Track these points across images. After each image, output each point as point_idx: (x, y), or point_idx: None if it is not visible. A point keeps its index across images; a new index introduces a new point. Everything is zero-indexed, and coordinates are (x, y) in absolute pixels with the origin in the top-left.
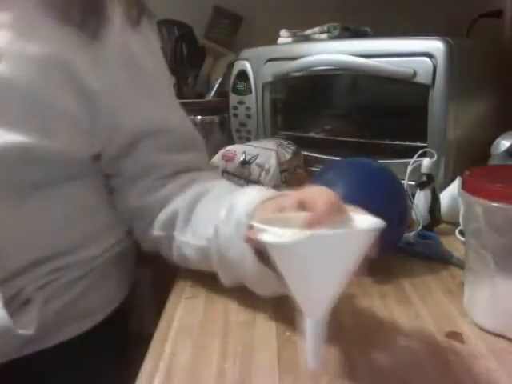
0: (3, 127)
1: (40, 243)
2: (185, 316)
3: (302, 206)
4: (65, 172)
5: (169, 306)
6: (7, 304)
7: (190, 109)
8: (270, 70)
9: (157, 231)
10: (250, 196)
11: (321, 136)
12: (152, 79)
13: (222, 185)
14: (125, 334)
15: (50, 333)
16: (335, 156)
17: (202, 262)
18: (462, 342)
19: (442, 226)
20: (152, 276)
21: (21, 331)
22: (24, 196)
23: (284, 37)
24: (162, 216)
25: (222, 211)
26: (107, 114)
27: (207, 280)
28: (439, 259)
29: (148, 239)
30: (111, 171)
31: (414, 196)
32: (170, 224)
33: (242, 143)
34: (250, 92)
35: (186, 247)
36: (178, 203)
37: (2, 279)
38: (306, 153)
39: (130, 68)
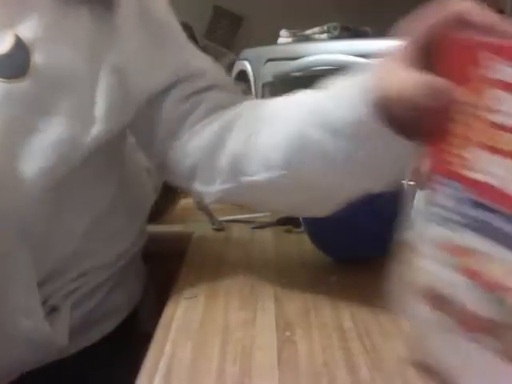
0: (55, 118)
1: (68, 245)
2: (185, 316)
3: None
4: (93, 168)
5: (169, 305)
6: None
7: None
8: (270, 70)
9: (222, 185)
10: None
11: None
12: (170, 31)
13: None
14: (136, 336)
15: (75, 339)
16: None
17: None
18: None
19: None
20: (153, 276)
21: (56, 339)
22: (60, 196)
23: (284, 37)
24: (222, 167)
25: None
26: (136, 80)
27: (207, 280)
28: None
29: (220, 195)
30: (148, 145)
31: (414, 196)
32: (235, 172)
33: None
34: (250, 92)
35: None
36: (232, 146)
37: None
38: None
39: (147, 27)
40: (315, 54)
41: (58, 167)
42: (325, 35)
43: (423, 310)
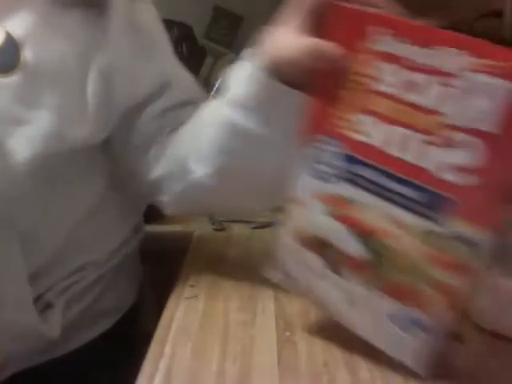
0: (43, 111)
1: (58, 239)
2: (185, 316)
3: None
4: (82, 163)
5: (169, 306)
6: None
7: None
8: None
9: (175, 188)
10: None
11: None
12: (156, 43)
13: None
14: (133, 335)
15: (70, 337)
16: None
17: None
18: (462, 341)
19: None
20: (153, 276)
21: (48, 333)
22: (48, 187)
23: None
24: (174, 171)
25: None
26: (119, 88)
27: (207, 280)
28: None
29: (176, 200)
30: (122, 151)
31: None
32: (183, 172)
33: None
34: None
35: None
36: (179, 150)
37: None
38: None
39: (135, 36)
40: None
41: (42, 159)
42: None
43: (306, 255)
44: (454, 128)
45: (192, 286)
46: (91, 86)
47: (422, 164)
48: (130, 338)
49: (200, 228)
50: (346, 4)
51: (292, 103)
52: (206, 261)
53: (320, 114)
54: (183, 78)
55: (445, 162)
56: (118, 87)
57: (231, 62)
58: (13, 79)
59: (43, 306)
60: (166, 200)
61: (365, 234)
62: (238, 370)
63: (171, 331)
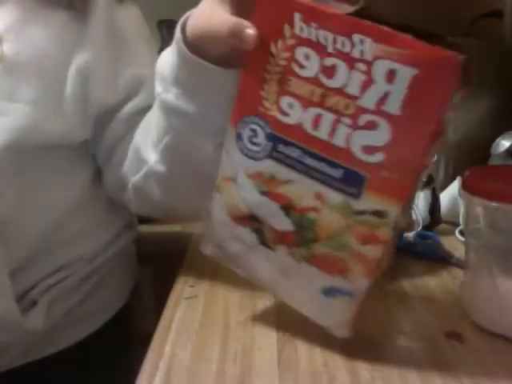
0: (20, 104)
1: (41, 231)
2: (185, 316)
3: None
4: (63, 158)
5: (169, 306)
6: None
7: None
8: None
9: (132, 179)
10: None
11: None
12: (132, 48)
13: None
14: (127, 335)
15: (56, 337)
16: None
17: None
18: (462, 342)
19: (442, 226)
20: (153, 276)
21: (28, 326)
22: (24, 177)
23: None
24: (130, 166)
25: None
26: (96, 89)
27: (207, 280)
28: (439, 259)
29: (136, 195)
30: (93, 152)
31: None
32: (139, 163)
33: None
34: None
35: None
36: (134, 143)
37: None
38: None
39: (112, 40)
40: None
41: (15, 148)
42: None
43: (238, 230)
44: (363, 110)
45: (192, 286)
46: (69, 84)
47: (337, 143)
48: (123, 338)
49: (200, 228)
50: None
51: (215, 79)
52: (205, 261)
53: (248, 94)
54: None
55: (356, 141)
56: (93, 89)
57: None
58: None
59: (27, 304)
60: (128, 197)
61: (291, 209)
62: (238, 369)
63: (171, 331)
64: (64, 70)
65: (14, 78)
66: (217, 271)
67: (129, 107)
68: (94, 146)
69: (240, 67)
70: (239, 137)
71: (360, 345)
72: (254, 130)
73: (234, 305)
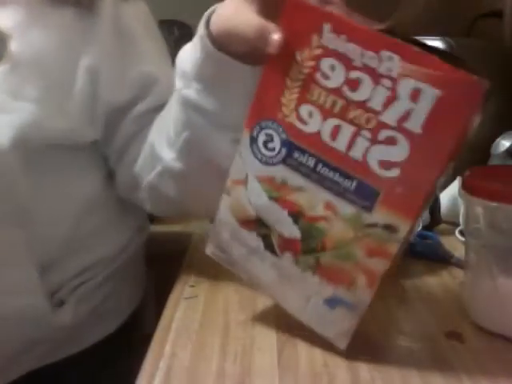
0: (26, 102)
1: (60, 233)
2: (185, 316)
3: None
4: (72, 158)
5: (169, 306)
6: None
7: None
8: None
9: (147, 178)
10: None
11: None
12: (140, 47)
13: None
14: (132, 336)
15: (77, 338)
16: None
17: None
18: (462, 341)
19: (442, 226)
20: (153, 276)
21: (58, 321)
22: (37, 179)
23: None
24: (144, 164)
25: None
26: (104, 88)
27: (207, 280)
28: (439, 259)
29: (151, 194)
30: (104, 152)
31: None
32: (154, 160)
33: None
34: None
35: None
36: (149, 140)
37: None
38: None
39: (120, 39)
40: None
41: (22, 145)
42: None
43: (243, 232)
44: (384, 125)
45: (192, 286)
46: (77, 82)
47: (354, 155)
48: (130, 339)
49: (200, 228)
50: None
51: (238, 76)
52: (205, 261)
53: (267, 99)
54: (167, 81)
55: (374, 155)
56: (102, 87)
57: None
58: None
59: (55, 304)
60: (142, 196)
61: (300, 217)
62: (238, 370)
63: (171, 331)
64: (71, 69)
65: (20, 76)
66: (217, 271)
67: (140, 106)
68: (105, 147)
69: (261, 68)
70: (253, 140)
71: (360, 345)
72: (269, 135)
73: (234, 305)
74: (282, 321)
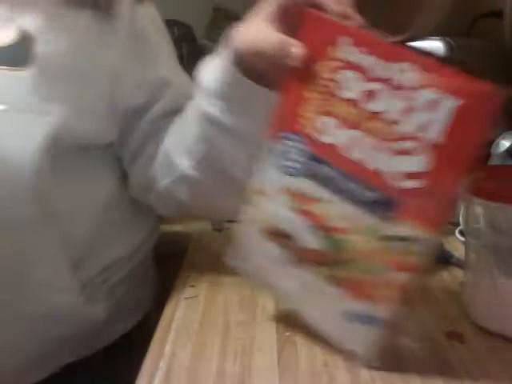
0: (56, 104)
1: (86, 228)
2: (185, 316)
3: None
4: (90, 158)
5: (169, 306)
6: None
7: None
8: None
9: (162, 181)
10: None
11: None
12: (155, 49)
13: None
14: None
15: (100, 334)
16: None
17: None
18: (462, 341)
19: None
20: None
21: (91, 315)
22: (67, 181)
23: None
24: (159, 169)
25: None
26: (122, 90)
27: (207, 280)
28: (439, 259)
29: (164, 197)
30: (118, 153)
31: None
32: (170, 167)
33: None
34: None
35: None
36: (165, 147)
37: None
38: None
39: (137, 41)
40: None
41: (51, 149)
42: None
43: (267, 245)
44: (403, 136)
45: (192, 286)
46: (98, 84)
47: (373, 166)
48: (133, 340)
49: (200, 228)
50: (320, 13)
51: (262, 99)
52: (205, 261)
53: (287, 111)
54: (180, 84)
55: (395, 166)
56: (120, 89)
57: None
58: (27, 73)
59: (85, 299)
60: (155, 198)
61: (323, 229)
62: (238, 370)
63: (171, 331)
64: (94, 71)
65: (48, 78)
66: (217, 271)
67: (155, 109)
68: (120, 148)
69: (281, 84)
70: (274, 152)
71: None
72: (290, 147)
73: (234, 305)
74: (281, 321)
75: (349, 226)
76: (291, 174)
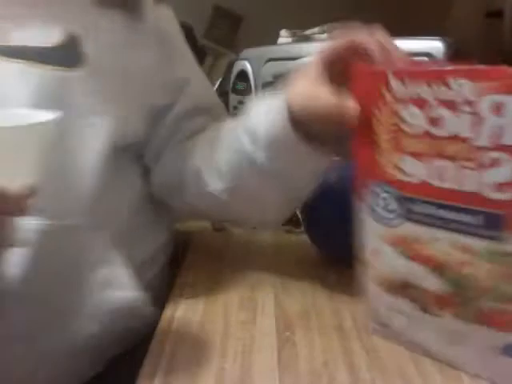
0: (111, 104)
1: (117, 232)
2: (185, 316)
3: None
4: (125, 157)
5: (169, 305)
6: None
7: None
8: (270, 70)
9: (192, 196)
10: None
11: None
12: (178, 50)
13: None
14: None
15: (134, 332)
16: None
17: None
18: None
19: None
20: None
21: (146, 312)
22: (111, 180)
23: (284, 37)
24: (189, 180)
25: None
26: (150, 89)
27: (207, 280)
28: None
29: (189, 207)
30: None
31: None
32: (198, 184)
33: None
34: (250, 92)
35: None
36: (196, 161)
37: None
38: None
39: (163, 42)
40: (315, 54)
41: (110, 148)
42: (325, 35)
43: (394, 301)
44: (482, 149)
45: (192, 286)
46: (138, 84)
47: (466, 188)
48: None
49: (200, 228)
50: (367, 65)
51: (309, 159)
52: (205, 261)
53: (365, 164)
54: (200, 83)
55: (485, 181)
56: (151, 89)
57: (231, 61)
58: (79, 74)
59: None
60: (179, 205)
61: (442, 269)
62: (238, 369)
63: (171, 331)
64: (132, 70)
65: (99, 78)
66: (217, 271)
67: (177, 108)
68: (144, 148)
69: (352, 139)
70: (372, 208)
71: (360, 344)
72: (384, 198)
73: (234, 305)
74: (281, 321)
75: (468, 258)
76: (394, 224)
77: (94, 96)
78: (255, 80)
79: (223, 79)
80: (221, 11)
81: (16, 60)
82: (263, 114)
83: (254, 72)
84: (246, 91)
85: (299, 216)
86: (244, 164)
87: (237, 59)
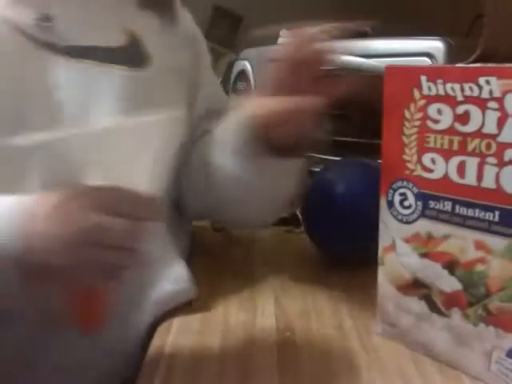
0: (175, 104)
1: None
2: (185, 316)
3: None
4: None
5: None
6: None
7: None
8: None
9: (201, 198)
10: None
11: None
12: (203, 54)
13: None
14: None
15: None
16: (335, 156)
17: None
18: None
19: None
20: None
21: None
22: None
23: (284, 37)
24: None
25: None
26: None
27: (207, 280)
28: None
29: (199, 208)
30: None
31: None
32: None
33: None
34: (250, 92)
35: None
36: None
37: None
38: None
39: (193, 44)
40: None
41: (169, 144)
42: (324, 35)
43: (406, 299)
44: (506, 145)
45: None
46: (185, 84)
47: (487, 185)
48: None
49: (200, 228)
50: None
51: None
52: (205, 261)
53: (391, 161)
54: (215, 88)
55: (506, 177)
56: (190, 90)
57: (231, 61)
58: (147, 74)
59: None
60: (188, 206)
61: (455, 266)
62: (238, 369)
63: (171, 331)
64: (179, 69)
65: (163, 78)
66: (217, 271)
67: (204, 123)
68: None
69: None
70: (391, 204)
71: (360, 344)
72: (403, 194)
73: (234, 305)
74: (281, 321)
75: (483, 255)
76: (411, 220)
77: (166, 94)
78: (255, 80)
79: (223, 79)
80: (221, 11)
81: (87, 61)
82: (231, 130)
83: (253, 72)
84: (246, 91)
85: (299, 216)
86: (222, 174)
87: (237, 59)
